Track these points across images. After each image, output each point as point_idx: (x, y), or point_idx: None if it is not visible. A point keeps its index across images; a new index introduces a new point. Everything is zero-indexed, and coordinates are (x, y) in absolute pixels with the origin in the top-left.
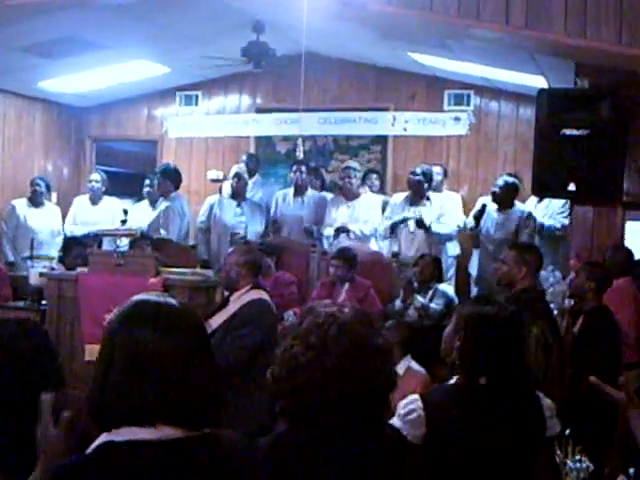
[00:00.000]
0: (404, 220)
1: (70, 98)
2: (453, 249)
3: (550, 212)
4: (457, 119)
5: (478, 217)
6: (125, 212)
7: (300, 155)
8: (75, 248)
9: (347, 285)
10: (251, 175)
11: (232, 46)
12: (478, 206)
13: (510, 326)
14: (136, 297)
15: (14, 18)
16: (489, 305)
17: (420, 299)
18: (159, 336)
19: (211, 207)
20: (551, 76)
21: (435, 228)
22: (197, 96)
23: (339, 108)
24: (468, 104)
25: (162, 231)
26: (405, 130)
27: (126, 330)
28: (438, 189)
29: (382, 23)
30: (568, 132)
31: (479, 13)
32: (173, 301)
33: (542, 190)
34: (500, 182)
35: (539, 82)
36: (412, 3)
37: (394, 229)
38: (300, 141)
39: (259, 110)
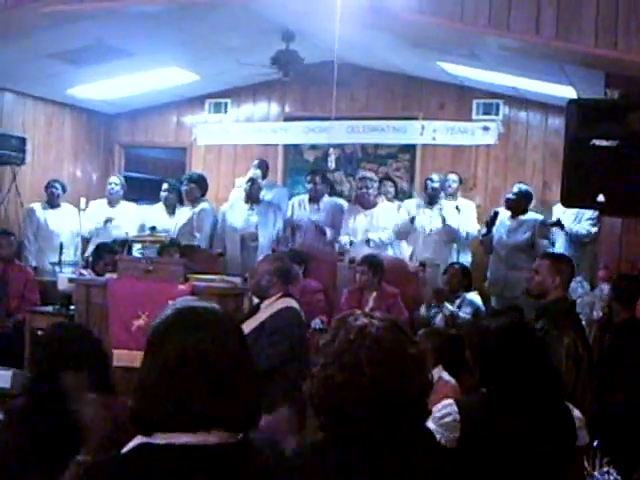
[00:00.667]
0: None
1: (99, 105)
2: (465, 257)
3: (579, 219)
4: (486, 129)
5: (490, 224)
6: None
7: (332, 165)
8: (107, 255)
9: (374, 293)
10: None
11: (261, 54)
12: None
13: (508, 337)
14: (180, 301)
15: (44, 25)
16: (490, 318)
17: (449, 307)
18: (210, 340)
19: (224, 215)
20: (580, 87)
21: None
22: (226, 104)
23: (368, 117)
24: (497, 114)
25: (197, 234)
26: (434, 139)
27: (176, 335)
28: (454, 197)
29: (412, 32)
30: (598, 143)
31: (509, 23)
32: (216, 305)
33: (571, 201)
34: (515, 189)
35: (568, 92)
36: (442, 12)
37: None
38: (332, 151)
39: (288, 118)
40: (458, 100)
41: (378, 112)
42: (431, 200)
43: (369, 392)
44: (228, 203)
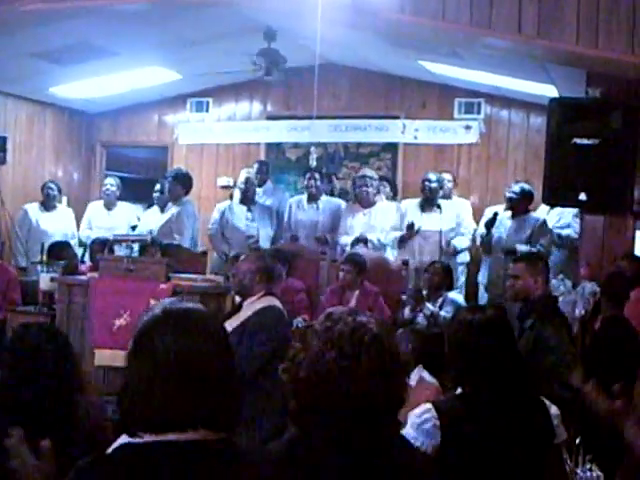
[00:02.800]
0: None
1: (81, 104)
2: (463, 256)
3: (565, 220)
4: (468, 127)
5: (489, 226)
6: (138, 219)
7: (313, 163)
8: (62, 253)
9: (357, 292)
10: (262, 182)
11: (243, 53)
12: (488, 214)
13: (488, 331)
14: (166, 302)
15: (26, 24)
16: (469, 312)
17: (430, 307)
18: (198, 341)
19: (222, 213)
20: (562, 85)
21: (456, 242)
22: (208, 103)
23: (350, 115)
24: (479, 112)
25: (176, 236)
26: (416, 138)
27: (166, 335)
28: (448, 196)
29: (394, 31)
30: (579, 141)
31: (491, 22)
32: (201, 306)
33: (553, 199)
34: (516, 189)
35: (550, 91)
36: (424, 11)
37: (402, 242)
38: (313, 149)
39: (270, 117)
40: (440, 99)
41: (360, 111)
42: (430, 201)
43: (362, 384)
44: (227, 202)
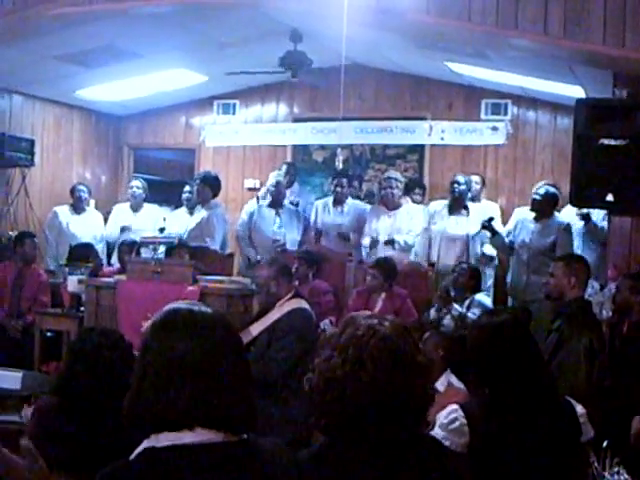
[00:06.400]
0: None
1: (108, 106)
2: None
3: (595, 218)
4: (494, 129)
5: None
6: (164, 219)
7: (339, 165)
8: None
9: (384, 294)
10: (290, 184)
11: (270, 55)
12: (518, 216)
13: (501, 333)
14: (169, 306)
15: (53, 27)
16: (487, 316)
17: (458, 308)
18: (191, 343)
19: (251, 215)
20: (589, 86)
21: (487, 250)
22: (235, 105)
23: (376, 117)
24: (505, 114)
25: (207, 239)
26: (442, 139)
27: (159, 338)
28: (477, 199)
29: (420, 32)
30: (606, 142)
31: (517, 23)
32: (206, 308)
33: (580, 200)
34: (541, 191)
35: (577, 92)
36: (450, 13)
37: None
38: (339, 151)
39: (296, 119)
40: (466, 100)
41: (386, 112)
42: (458, 203)
43: (367, 389)
44: (255, 205)
